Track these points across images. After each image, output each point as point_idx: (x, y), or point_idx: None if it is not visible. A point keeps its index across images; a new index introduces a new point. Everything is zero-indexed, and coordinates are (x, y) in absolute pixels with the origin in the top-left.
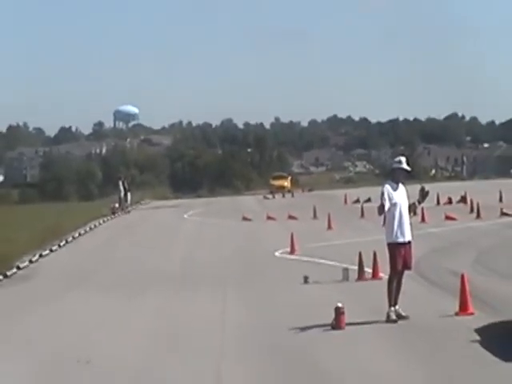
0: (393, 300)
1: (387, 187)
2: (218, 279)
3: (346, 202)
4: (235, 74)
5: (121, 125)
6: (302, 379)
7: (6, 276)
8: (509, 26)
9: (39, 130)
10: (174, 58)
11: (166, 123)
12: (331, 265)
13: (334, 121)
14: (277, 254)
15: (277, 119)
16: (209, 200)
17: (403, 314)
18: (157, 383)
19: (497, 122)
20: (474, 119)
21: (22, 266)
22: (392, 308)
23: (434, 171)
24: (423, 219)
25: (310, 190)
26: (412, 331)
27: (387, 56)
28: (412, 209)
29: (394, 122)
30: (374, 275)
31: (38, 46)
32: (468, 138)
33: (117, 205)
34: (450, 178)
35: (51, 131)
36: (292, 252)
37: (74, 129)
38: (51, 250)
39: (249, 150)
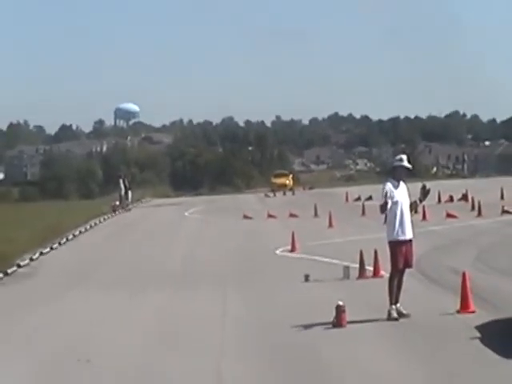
0: (394, 298)
1: (388, 185)
2: (219, 277)
3: (347, 199)
4: (236, 72)
5: (121, 123)
6: (303, 377)
7: (6, 274)
8: (511, 23)
9: (40, 128)
10: (174, 56)
11: (167, 121)
12: (332, 263)
13: (334, 119)
14: (278, 252)
15: (278, 117)
16: (209, 198)
17: (404, 312)
18: (157, 381)
19: (498, 120)
20: (475, 117)
21: (22, 263)
22: (393, 306)
23: (435, 169)
24: (424, 217)
25: (310, 188)
26: (413, 329)
27: (388, 54)
28: (413, 207)
29: (395, 120)
30: (375, 273)
31: (39, 44)
32: (469, 136)
33: (117, 203)
34: (451, 176)
35: (52, 129)
36: (293, 250)
37: (74, 127)
38: (52, 248)
39: (250, 148)
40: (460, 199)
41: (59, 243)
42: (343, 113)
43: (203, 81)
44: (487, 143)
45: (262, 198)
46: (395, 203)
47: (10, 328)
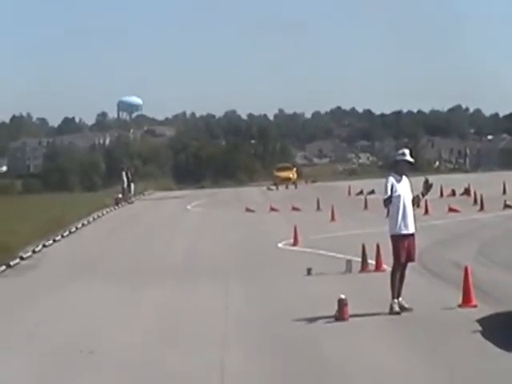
0: (396, 292)
1: (391, 179)
2: (221, 271)
3: (349, 193)
4: (239, 65)
5: (124, 116)
6: (306, 371)
7: (9, 266)
8: None
9: (43, 121)
10: (177, 48)
11: (170, 114)
12: (334, 256)
13: (337, 112)
14: (280, 245)
15: (280, 111)
16: (212, 191)
17: (406, 305)
18: (159, 375)
19: (501, 114)
20: (477, 111)
21: (25, 256)
22: (395, 300)
23: (437, 163)
24: (426, 211)
25: (313, 182)
26: (415, 323)
27: (391, 48)
28: (415, 201)
29: (397, 114)
30: (378, 267)
31: (41, 37)
32: (472, 130)
33: (120, 195)
34: (453, 170)
35: (55, 122)
36: (295, 244)
37: (77, 119)
38: (54, 241)
39: (252, 141)
40: (462, 193)
41: (62, 236)
42: (346, 106)
43: (206, 74)
44: (490, 137)
45: (264, 191)
46: (398, 197)
47: (12, 319)
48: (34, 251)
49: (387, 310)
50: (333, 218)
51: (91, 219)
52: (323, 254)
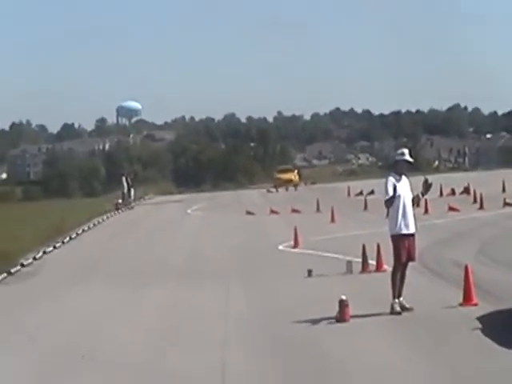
0: (397, 292)
1: (391, 179)
2: (222, 273)
3: (349, 194)
4: (237, 68)
5: (123, 121)
6: (307, 371)
7: (10, 273)
8: None
9: (42, 127)
10: (175, 53)
11: (169, 118)
12: (335, 257)
13: (336, 114)
14: (280, 247)
15: (279, 113)
16: (212, 194)
17: (407, 305)
18: (161, 375)
19: (499, 113)
20: (476, 110)
21: (26, 263)
22: (396, 300)
23: (436, 163)
24: (426, 211)
25: (313, 183)
26: (416, 323)
27: (389, 48)
28: (415, 201)
29: (396, 114)
30: (378, 267)
31: (40, 43)
32: (471, 129)
33: (120, 201)
34: (452, 170)
35: (54, 128)
36: (295, 245)
37: (76, 125)
38: (55, 247)
39: (252, 144)
40: (462, 192)
41: (62, 242)
42: (345, 107)
43: (205, 77)
44: (489, 136)
45: (264, 193)
46: (397, 197)
47: (13, 326)
48: (34, 258)
49: (388, 310)
50: (333, 220)
51: (91, 225)
52: (324, 255)
